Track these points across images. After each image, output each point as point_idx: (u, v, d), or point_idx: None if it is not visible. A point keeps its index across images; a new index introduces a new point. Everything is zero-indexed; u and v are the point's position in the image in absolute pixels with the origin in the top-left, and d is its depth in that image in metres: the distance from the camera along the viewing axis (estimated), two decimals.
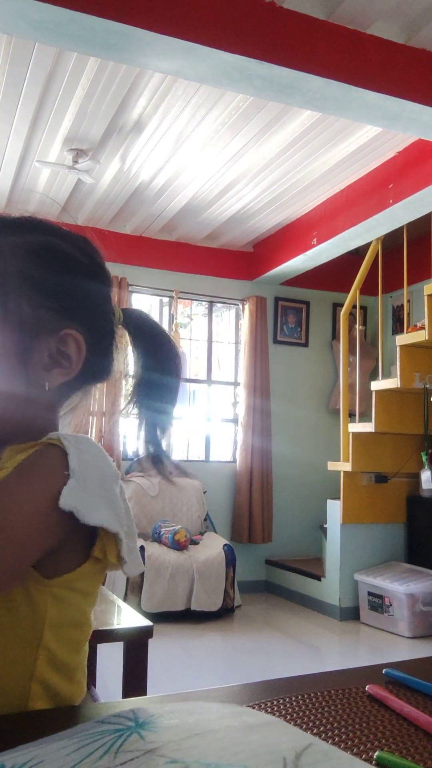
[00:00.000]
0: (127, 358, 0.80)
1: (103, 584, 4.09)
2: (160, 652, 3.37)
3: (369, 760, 0.51)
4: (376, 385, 4.62)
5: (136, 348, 0.79)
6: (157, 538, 4.53)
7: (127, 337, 0.79)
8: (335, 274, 5.56)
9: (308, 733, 0.55)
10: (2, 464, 0.69)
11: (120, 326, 0.79)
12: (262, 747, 0.38)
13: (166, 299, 5.40)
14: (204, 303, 5.63)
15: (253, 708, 0.60)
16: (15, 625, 0.67)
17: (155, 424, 0.79)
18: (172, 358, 0.80)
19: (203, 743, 0.37)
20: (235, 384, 5.58)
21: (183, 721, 0.41)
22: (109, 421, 4.73)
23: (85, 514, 0.64)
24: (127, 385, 0.79)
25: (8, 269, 0.71)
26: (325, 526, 4.73)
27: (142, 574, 4.15)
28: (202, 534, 4.82)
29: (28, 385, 0.71)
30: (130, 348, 0.79)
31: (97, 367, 0.77)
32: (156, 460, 0.78)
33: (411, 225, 4.45)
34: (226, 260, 5.49)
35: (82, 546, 0.69)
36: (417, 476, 4.64)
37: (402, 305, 5.49)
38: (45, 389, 0.72)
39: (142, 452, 0.78)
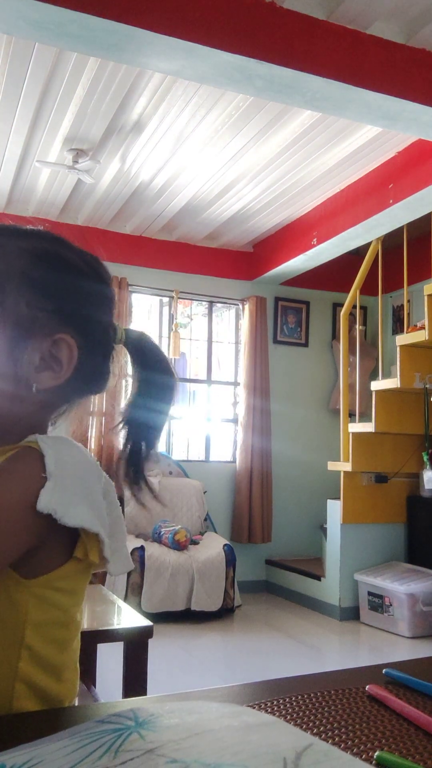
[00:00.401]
0: (123, 377, 0.81)
1: (104, 584, 4.09)
2: (160, 652, 3.37)
3: (369, 760, 0.51)
4: (376, 385, 4.62)
5: (134, 369, 0.80)
6: (157, 538, 4.53)
7: (127, 357, 0.80)
8: (335, 274, 5.56)
9: (308, 733, 0.55)
10: None
11: (121, 345, 0.79)
12: (262, 747, 0.38)
13: (166, 299, 5.40)
14: (204, 303, 5.63)
15: (253, 708, 0.60)
16: None
17: (140, 446, 0.79)
18: (169, 385, 0.81)
19: (203, 743, 0.37)
20: (235, 384, 5.58)
21: (183, 721, 0.41)
22: (110, 422, 4.73)
23: (63, 516, 0.65)
24: (121, 405, 0.80)
25: (10, 269, 0.72)
26: (325, 526, 4.73)
27: (142, 575, 4.15)
28: (202, 534, 4.82)
29: (17, 385, 0.72)
30: (129, 367, 0.80)
31: (89, 377, 0.77)
32: (134, 482, 0.78)
33: (411, 225, 4.45)
34: (226, 260, 5.49)
35: (64, 546, 0.70)
36: (417, 476, 4.64)
37: (402, 305, 5.50)
38: (32, 391, 0.72)
39: (122, 475, 0.78)
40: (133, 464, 0.78)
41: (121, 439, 0.79)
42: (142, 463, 0.79)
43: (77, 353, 0.73)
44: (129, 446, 0.78)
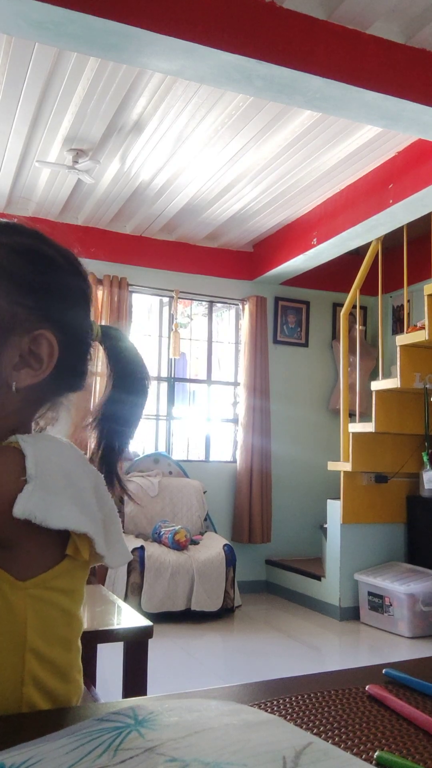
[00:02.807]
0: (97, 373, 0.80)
1: (104, 584, 4.09)
2: (160, 652, 3.37)
3: (369, 760, 0.51)
4: (376, 385, 4.62)
5: (110, 365, 0.79)
6: (157, 538, 4.53)
7: (102, 354, 0.79)
8: (335, 274, 5.56)
9: (308, 732, 0.55)
10: None
11: (97, 342, 0.79)
12: (262, 746, 0.37)
13: (166, 299, 5.40)
14: (204, 303, 5.63)
15: (253, 708, 0.60)
16: None
17: (114, 444, 0.78)
18: (143, 379, 0.80)
19: (203, 741, 0.37)
20: (235, 384, 5.58)
21: (182, 719, 0.41)
22: None
23: (45, 519, 0.63)
24: (94, 402, 0.79)
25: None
26: (325, 526, 4.73)
27: (142, 575, 4.15)
28: (202, 534, 4.82)
29: None
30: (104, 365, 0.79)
31: (69, 374, 0.76)
32: (108, 482, 0.76)
33: (411, 225, 4.45)
34: (226, 260, 5.49)
35: (56, 545, 0.69)
36: (417, 476, 4.64)
37: (402, 305, 5.49)
38: (12, 389, 0.71)
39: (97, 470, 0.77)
40: (106, 463, 0.77)
41: (92, 438, 0.77)
42: (116, 462, 0.78)
43: (57, 350, 0.72)
44: (102, 445, 0.77)
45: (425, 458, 4.47)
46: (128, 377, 0.79)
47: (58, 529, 0.65)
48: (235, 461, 5.41)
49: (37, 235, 0.76)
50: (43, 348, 0.72)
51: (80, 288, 0.78)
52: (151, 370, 5.39)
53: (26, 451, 0.65)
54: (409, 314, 4.90)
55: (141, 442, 5.32)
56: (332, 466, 4.68)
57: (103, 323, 0.81)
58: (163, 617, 4.09)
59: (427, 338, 4.17)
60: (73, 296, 0.77)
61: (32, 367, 0.72)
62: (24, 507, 0.62)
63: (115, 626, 1.69)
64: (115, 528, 0.73)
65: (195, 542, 4.60)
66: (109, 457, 0.78)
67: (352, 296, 4.76)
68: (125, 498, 0.79)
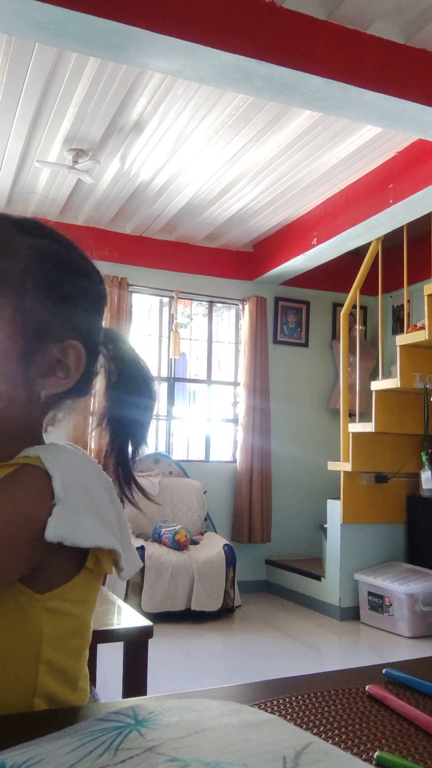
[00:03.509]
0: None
1: (104, 584, 4.09)
2: (160, 652, 3.37)
3: (369, 760, 0.51)
4: (376, 385, 4.62)
5: (113, 367, 0.77)
6: (157, 538, 4.53)
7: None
8: (335, 274, 5.56)
9: (308, 732, 0.55)
10: None
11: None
12: (262, 746, 0.38)
13: (166, 299, 5.40)
14: (204, 303, 5.63)
15: (253, 707, 0.60)
16: (12, 641, 0.66)
17: (128, 446, 0.77)
18: (149, 380, 0.80)
19: (203, 741, 0.37)
20: (235, 384, 5.58)
21: (182, 719, 0.41)
22: None
23: (76, 540, 0.63)
24: (97, 405, 0.78)
25: (24, 270, 0.69)
26: (325, 526, 4.73)
27: (143, 575, 4.15)
28: (202, 534, 4.82)
29: (25, 390, 0.69)
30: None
31: (83, 379, 0.75)
32: (125, 483, 0.75)
33: (411, 225, 4.45)
34: (226, 260, 5.49)
35: (75, 559, 0.68)
36: (417, 476, 4.64)
37: (402, 305, 5.49)
38: (40, 397, 0.70)
39: (111, 475, 0.75)
40: (121, 464, 0.76)
41: (104, 439, 0.76)
42: (131, 462, 0.77)
43: (85, 360, 0.71)
44: (116, 445, 0.76)
45: (425, 458, 4.47)
46: (132, 378, 0.78)
47: (89, 547, 0.64)
48: (235, 461, 5.41)
49: (62, 238, 0.74)
50: (71, 358, 0.71)
51: (102, 295, 0.77)
52: (152, 370, 5.38)
53: (52, 471, 0.64)
54: (409, 314, 4.90)
55: None
56: (332, 466, 4.67)
57: (103, 325, 0.80)
58: (163, 617, 4.09)
59: (427, 338, 4.17)
60: (97, 304, 0.76)
61: (58, 376, 0.71)
62: (55, 531, 0.61)
63: (115, 626, 1.69)
64: (127, 535, 0.73)
65: (195, 542, 4.60)
66: (124, 458, 0.77)
67: (352, 296, 4.76)
68: (134, 499, 0.78)
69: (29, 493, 0.63)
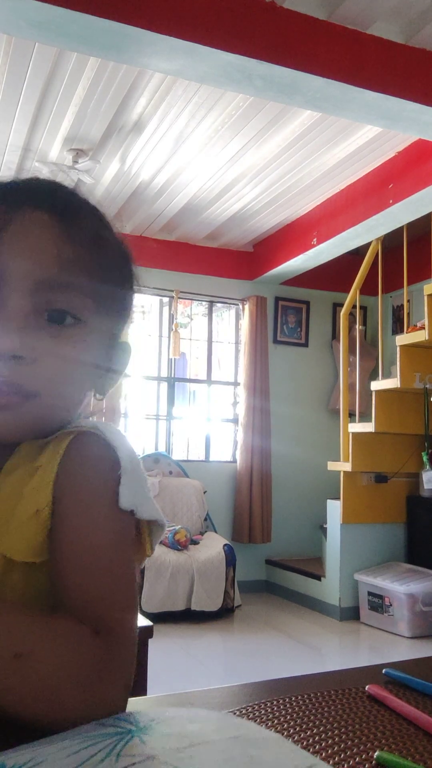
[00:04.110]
0: None
1: None
2: (160, 652, 3.37)
3: (369, 760, 0.51)
4: (376, 385, 4.62)
5: None
6: None
7: None
8: (335, 274, 5.56)
9: (310, 744, 0.55)
10: (37, 462, 0.61)
11: None
12: (264, 763, 0.37)
13: (166, 299, 5.40)
14: (204, 303, 5.63)
15: (253, 708, 0.60)
16: None
17: None
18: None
19: (204, 754, 0.37)
20: (235, 384, 5.58)
21: (184, 729, 0.41)
22: (111, 421, 4.72)
23: (141, 510, 0.60)
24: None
25: (117, 271, 0.68)
26: (325, 526, 4.73)
27: (143, 574, 4.15)
28: (202, 534, 4.82)
29: (93, 391, 0.68)
30: None
31: None
32: None
33: (411, 225, 4.45)
34: (226, 260, 5.49)
35: None
36: (417, 476, 4.64)
37: (402, 305, 5.49)
38: (103, 396, 0.68)
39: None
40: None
41: None
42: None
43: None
44: None
45: (425, 458, 4.47)
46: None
47: (149, 519, 0.62)
48: (235, 461, 5.41)
49: (123, 237, 0.73)
50: (126, 356, 0.70)
51: None
52: (151, 370, 5.40)
53: (113, 440, 0.61)
54: (409, 314, 4.90)
55: (141, 442, 5.32)
56: (332, 466, 4.68)
57: None
58: (163, 617, 4.09)
59: (427, 338, 4.17)
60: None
61: (115, 373, 0.69)
62: (129, 499, 0.59)
63: None
64: None
65: (195, 542, 4.60)
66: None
67: (352, 296, 4.76)
68: None
69: (101, 459, 0.60)
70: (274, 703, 0.62)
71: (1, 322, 0.57)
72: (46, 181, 0.71)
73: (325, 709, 0.62)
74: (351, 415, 4.77)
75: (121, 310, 0.69)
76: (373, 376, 5.40)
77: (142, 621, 1.72)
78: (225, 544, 4.50)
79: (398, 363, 4.43)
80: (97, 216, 0.70)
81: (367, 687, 0.66)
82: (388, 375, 5.15)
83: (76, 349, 0.61)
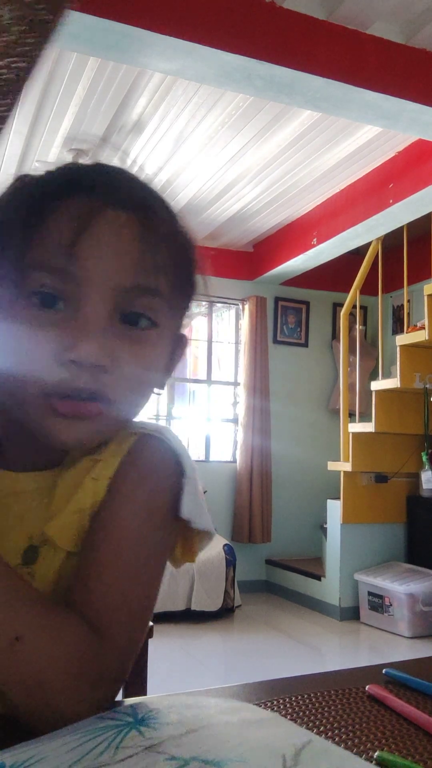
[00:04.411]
0: None
1: None
2: (160, 652, 3.37)
3: (369, 760, 0.51)
4: (376, 385, 4.62)
5: None
6: None
7: None
8: (335, 274, 5.56)
9: (307, 730, 0.55)
10: (98, 455, 0.60)
11: None
12: (262, 743, 0.38)
13: None
14: (204, 303, 5.62)
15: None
16: None
17: None
18: None
19: (202, 739, 0.37)
20: (235, 384, 5.58)
21: (182, 717, 0.41)
22: None
23: (198, 521, 0.60)
24: None
25: (192, 266, 0.66)
26: (325, 526, 4.73)
27: None
28: None
29: (158, 389, 0.65)
30: None
31: None
32: None
33: (411, 225, 4.45)
34: (226, 260, 5.49)
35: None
36: (417, 476, 4.64)
37: (402, 305, 5.49)
38: (162, 390, 0.65)
39: None
40: None
41: None
42: None
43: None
44: None
45: (425, 458, 4.47)
46: None
47: (204, 529, 0.61)
48: (235, 461, 5.41)
49: (189, 226, 0.70)
50: (183, 348, 0.67)
51: None
52: None
53: (176, 447, 0.61)
54: (409, 314, 4.90)
55: None
56: (332, 466, 4.67)
57: None
58: (163, 617, 4.09)
59: (427, 338, 4.18)
60: None
61: (170, 368, 0.67)
62: (189, 507, 0.59)
63: None
64: None
65: None
66: None
67: (352, 296, 4.76)
68: None
69: (165, 469, 0.60)
70: (274, 703, 0.62)
71: (80, 328, 0.54)
72: (117, 171, 0.67)
73: (325, 709, 0.62)
74: (351, 415, 4.77)
75: (186, 308, 0.66)
76: (373, 376, 5.40)
77: None
78: (225, 544, 4.50)
79: (398, 363, 4.43)
80: (170, 211, 0.66)
81: (367, 687, 0.66)
82: (388, 375, 5.15)
83: (152, 355, 0.59)
